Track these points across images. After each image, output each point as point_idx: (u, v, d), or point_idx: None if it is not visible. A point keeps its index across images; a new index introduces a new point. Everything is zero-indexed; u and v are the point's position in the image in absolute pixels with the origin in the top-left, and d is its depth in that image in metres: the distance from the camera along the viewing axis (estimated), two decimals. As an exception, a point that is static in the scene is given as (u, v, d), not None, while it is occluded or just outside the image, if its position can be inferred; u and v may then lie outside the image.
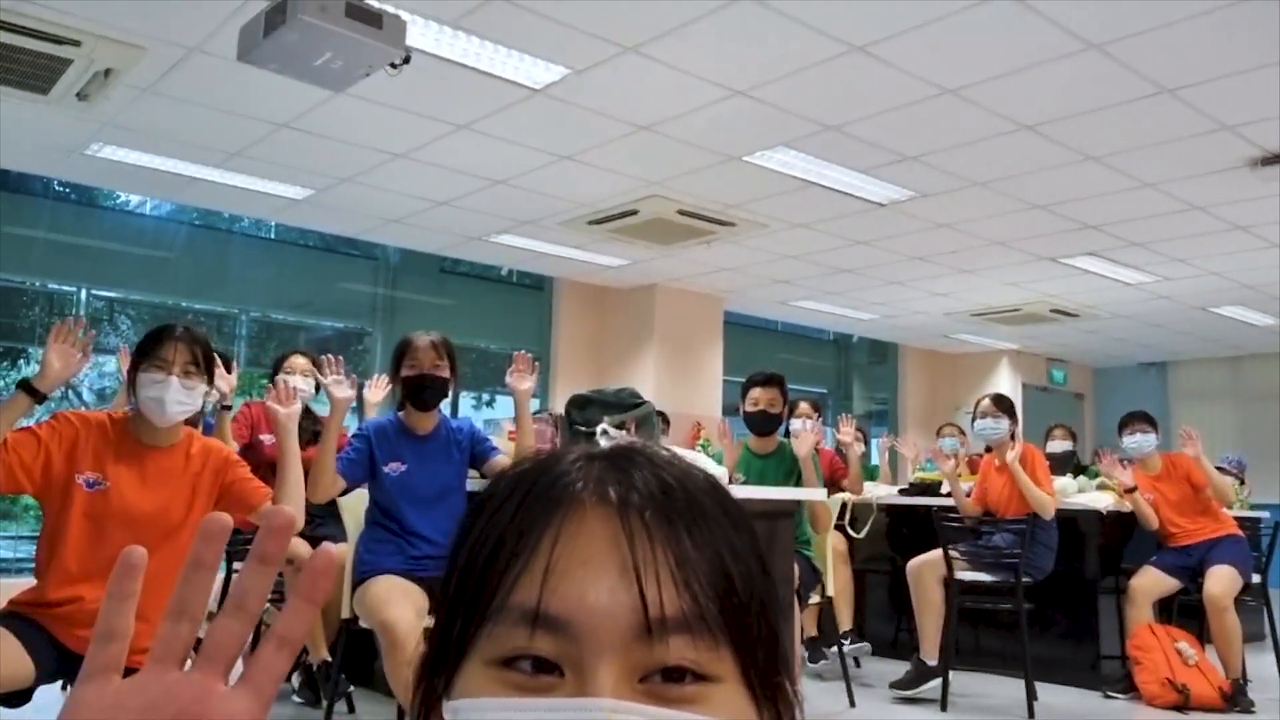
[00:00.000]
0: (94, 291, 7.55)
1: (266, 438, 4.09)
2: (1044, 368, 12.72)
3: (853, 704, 4.51)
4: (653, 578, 0.52)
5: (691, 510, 0.55)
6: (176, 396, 2.39)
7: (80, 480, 2.33)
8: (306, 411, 4.38)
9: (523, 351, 3.53)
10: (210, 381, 2.53)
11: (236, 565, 4.23)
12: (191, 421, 3.35)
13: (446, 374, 3.35)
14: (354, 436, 3.42)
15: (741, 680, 0.53)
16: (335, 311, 8.67)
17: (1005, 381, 11.90)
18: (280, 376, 3.82)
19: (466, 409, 9.94)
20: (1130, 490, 4.97)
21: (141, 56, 4.50)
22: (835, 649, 4.74)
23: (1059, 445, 6.57)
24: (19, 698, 2.28)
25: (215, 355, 2.62)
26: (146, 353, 2.43)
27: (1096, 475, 5.89)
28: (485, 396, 10.77)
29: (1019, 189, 6.17)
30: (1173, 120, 5.01)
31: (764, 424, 4.67)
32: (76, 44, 4.36)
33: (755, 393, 4.69)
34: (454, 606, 0.55)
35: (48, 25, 4.22)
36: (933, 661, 4.63)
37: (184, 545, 2.45)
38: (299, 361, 4.33)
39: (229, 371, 3.92)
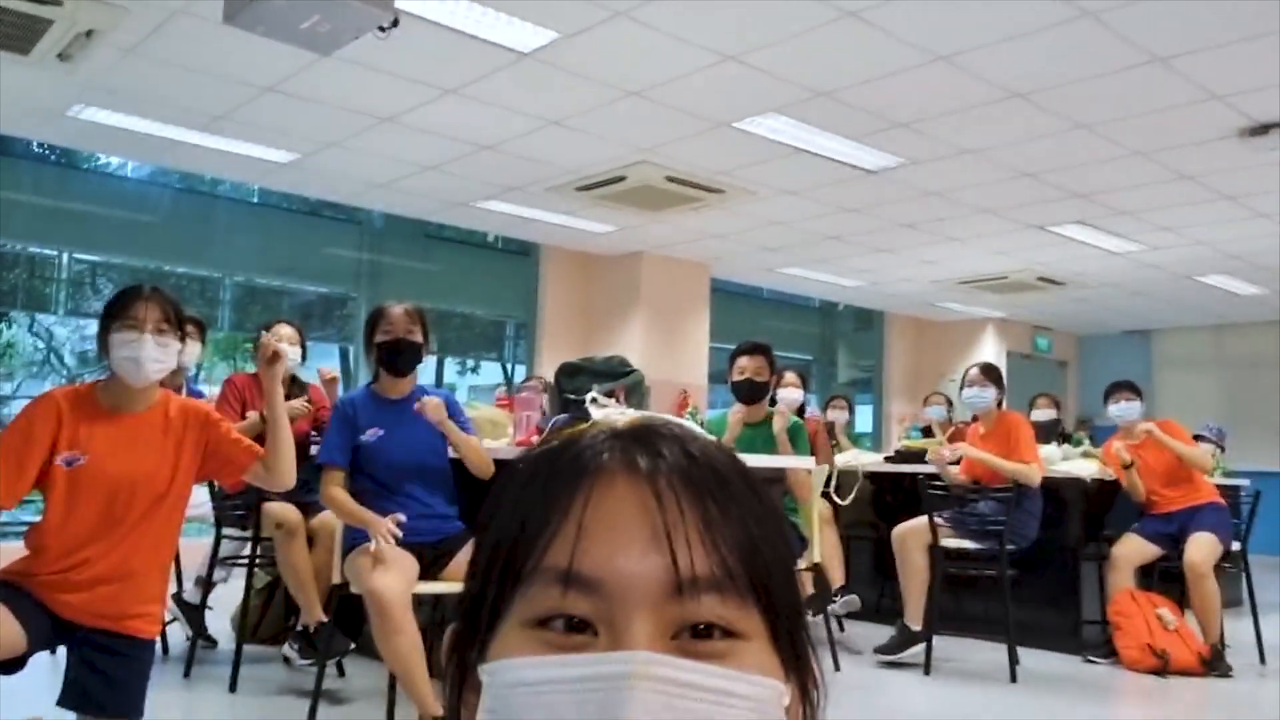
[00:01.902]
0: (76, 255, 7.48)
1: (253, 415, 4.06)
2: (1029, 335, 12.76)
3: (838, 668, 4.55)
4: (682, 540, 0.53)
5: (716, 478, 0.56)
6: (152, 354, 2.35)
7: (59, 462, 2.30)
8: (293, 380, 4.36)
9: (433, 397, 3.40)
10: (183, 339, 2.50)
11: (227, 530, 4.22)
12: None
13: (420, 339, 3.39)
14: (332, 418, 3.40)
15: (769, 640, 0.55)
16: (319, 276, 8.62)
17: (990, 349, 11.94)
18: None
19: (450, 375, 9.93)
20: (1128, 466, 4.96)
21: (124, 17, 4.42)
22: (819, 616, 4.78)
23: (1043, 414, 6.61)
24: (13, 665, 2.28)
25: (187, 318, 2.57)
26: (116, 314, 2.38)
27: (1080, 443, 5.91)
28: (470, 363, 10.75)
29: (1009, 157, 6.16)
30: (1164, 89, 5.00)
31: (751, 392, 4.69)
32: (58, 4, 4.27)
33: (742, 361, 4.70)
34: (486, 575, 0.57)
35: (27, -16, 4.15)
36: (917, 627, 4.68)
37: (171, 509, 2.44)
38: (284, 330, 4.30)
39: (202, 336, 3.85)
